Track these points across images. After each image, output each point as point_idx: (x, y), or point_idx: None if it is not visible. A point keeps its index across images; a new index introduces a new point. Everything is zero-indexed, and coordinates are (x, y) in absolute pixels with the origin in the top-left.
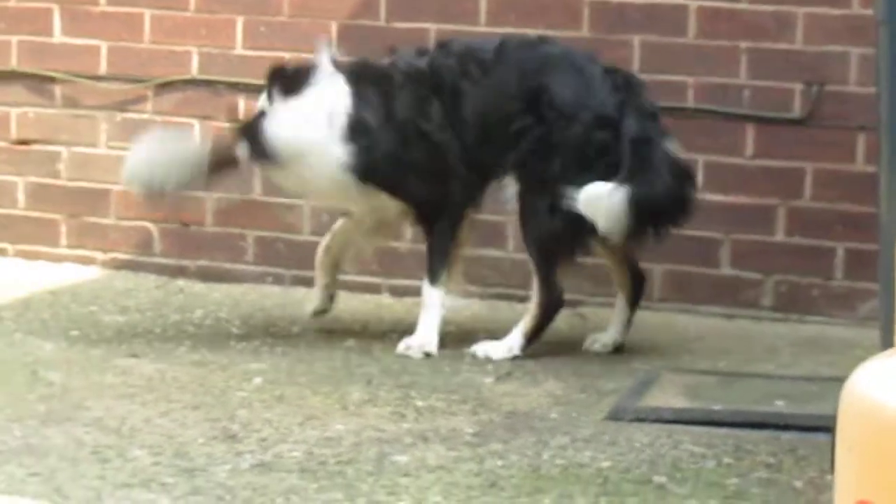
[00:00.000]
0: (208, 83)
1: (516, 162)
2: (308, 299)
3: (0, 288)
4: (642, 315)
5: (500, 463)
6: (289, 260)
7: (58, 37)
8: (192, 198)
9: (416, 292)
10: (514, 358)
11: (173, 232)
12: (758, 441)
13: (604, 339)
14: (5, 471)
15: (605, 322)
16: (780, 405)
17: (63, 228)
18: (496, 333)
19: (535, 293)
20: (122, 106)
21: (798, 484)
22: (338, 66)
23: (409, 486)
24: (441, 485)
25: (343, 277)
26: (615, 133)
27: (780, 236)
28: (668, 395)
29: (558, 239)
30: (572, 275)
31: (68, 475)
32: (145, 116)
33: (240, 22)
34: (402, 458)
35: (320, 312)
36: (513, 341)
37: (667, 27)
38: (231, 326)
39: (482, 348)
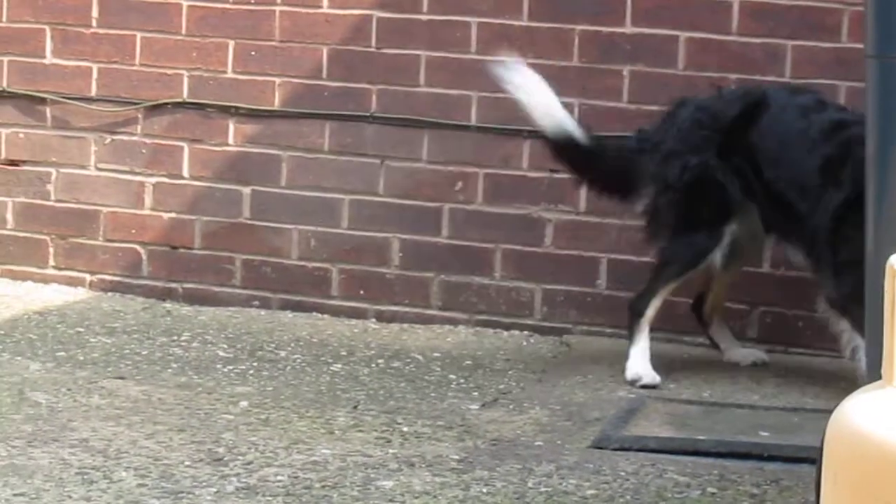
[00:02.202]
0: (199, 106)
1: None
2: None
3: None
4: (628, 344)
5: (485, 490)
6: (276, 284)
7: (49, 58)
8: (180, 220)
9: (403, 318)
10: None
11: (161, 254)
12: (742, 471)
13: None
14: None
15: (591, 350)
16: (764, 436)
17: (51, 249)
18: (482, 360)
19: None
20: (112, 128)
21: None
22: None
23: None
24: None
25: (329, 302)
26: None
27: (765, 268)
28: (653, 425)
29: None
30: (560, 304)
31: (54, 496)
32: (135, 138)
33: (231, 46)
34: (387, 484)
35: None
36: None
37: (656, 58)
38: (218, 349)
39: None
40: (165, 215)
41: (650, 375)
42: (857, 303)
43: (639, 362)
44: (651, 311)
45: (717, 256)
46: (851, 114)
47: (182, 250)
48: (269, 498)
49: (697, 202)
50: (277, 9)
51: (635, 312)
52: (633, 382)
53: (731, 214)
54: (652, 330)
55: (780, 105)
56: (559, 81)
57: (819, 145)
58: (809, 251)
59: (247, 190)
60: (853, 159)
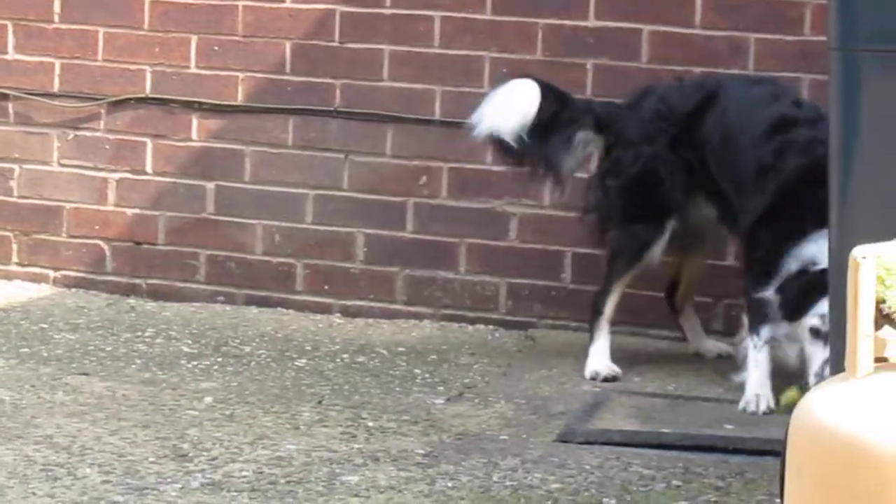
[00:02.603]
0: (161, 102)
1: None
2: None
3: None
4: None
5: (450, 484)
6: (240, 279)
7: (11, 54)
8: (143, 216)
9: (368, 313)
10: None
11: (125, 250)
12: (707, 464)
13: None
14: None
15: (556, 344)
16: (729, 428)
17: (15, 246)
18: (447, 354)
19: None
20: (75, 124)
21: None
22: None
23: None
24: None
25: (294, 297)
26: None
27: (729, 261)
28: (617, 418)
29: None
30: (525, 297)
31: (18, 493)
32: (98, 134)
33: (193, 41)
34: (352, 479)
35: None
36: None
37: (620, 51)
38: (182, 345)
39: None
40: (129, 211)
41: (608, 368)
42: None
43: (597, 359)
44: (609, 308)
45: (657, 249)
46: (801, 109)
47: (146, 246)
48: (235, 493)
49: (644, 194)
50: (240, 3)
51: (594, 310)
52: (593, 379)
53: (673, 209)
54: (616, 323)
55: (732, 98)
56: (523, 75)
57: (757, 145)
58: (740, 245)
59: (210, 185)
60: (781, 167)
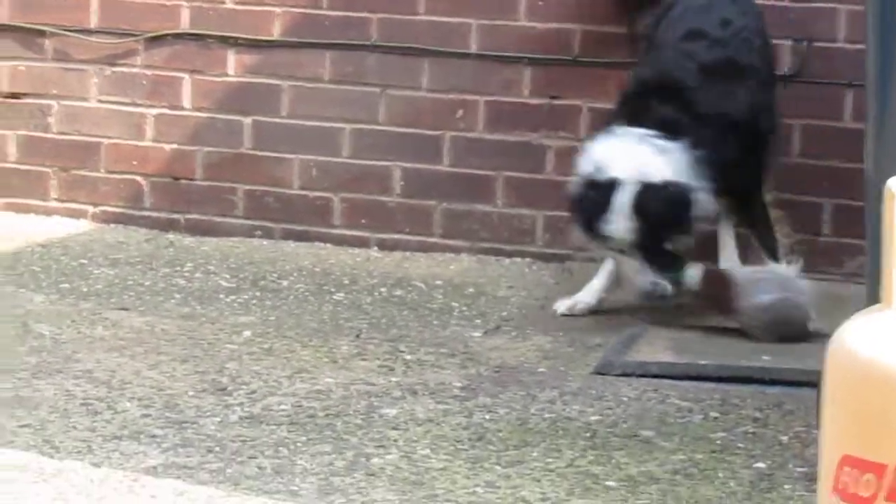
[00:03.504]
0: (199, 37)
1: None
2: None
3: None
4: None
5: (488, 416)
6: (278, 214)
7: None
8: (181, 151)
9: (405, 246)
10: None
11: (163, 185)
12: (744, 395)
13: None
14: None
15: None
16: (766, 360)
17: (53, 182)
18: (484, 287)
19: None
20: (112, 60)
21: (784, 438)
22: None
23: (398, 439)
24: (429, 438)
25: (331, 231)
26: None
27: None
28: (654, 350)
29: None
30: (562, 230)
31: (59, 427)
32: (135, 70)
33: None
34: (390, 412)
35: None
36: None
37: None
38: (220, 280)
39: None
40: (167, 146)
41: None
42: None
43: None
44: None
45: None
46: (722, 29)
47: (184, 181)
48: (273, 427)
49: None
50: None
51: None
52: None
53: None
54: None
55: (677, 8)
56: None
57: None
58: None
59: (248, 120)
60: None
